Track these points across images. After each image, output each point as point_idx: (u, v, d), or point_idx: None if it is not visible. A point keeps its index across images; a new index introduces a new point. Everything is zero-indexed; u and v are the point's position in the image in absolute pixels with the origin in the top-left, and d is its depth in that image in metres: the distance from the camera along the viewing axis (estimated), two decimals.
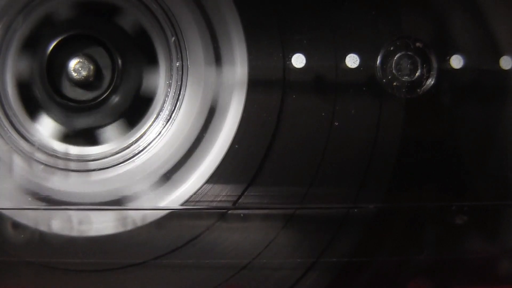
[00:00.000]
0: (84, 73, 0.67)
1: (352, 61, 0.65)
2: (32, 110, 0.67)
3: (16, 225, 0.64)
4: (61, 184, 0.65)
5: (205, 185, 0.65)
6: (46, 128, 0.67)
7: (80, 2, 0.67)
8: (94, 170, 0.66)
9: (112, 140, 0.68)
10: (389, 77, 0.65)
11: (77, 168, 0.66)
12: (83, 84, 0.67)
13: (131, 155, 0.66)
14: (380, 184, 0.66)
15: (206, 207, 0.65)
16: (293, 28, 0.65)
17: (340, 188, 0.65)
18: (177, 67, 0.66)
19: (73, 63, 0.67)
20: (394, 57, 0.65)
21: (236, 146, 0.65)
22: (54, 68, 0.67)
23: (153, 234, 0.64)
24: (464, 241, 0.67)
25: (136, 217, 0.64)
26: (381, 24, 0.65)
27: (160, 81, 0.67)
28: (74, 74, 0.67)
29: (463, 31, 0.66)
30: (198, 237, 0.64)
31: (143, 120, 0.67)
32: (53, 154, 0.66)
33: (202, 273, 0.65)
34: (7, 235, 0.64)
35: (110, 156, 0.67)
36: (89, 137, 0.68)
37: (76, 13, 0.67)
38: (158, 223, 0.64)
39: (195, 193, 0.65)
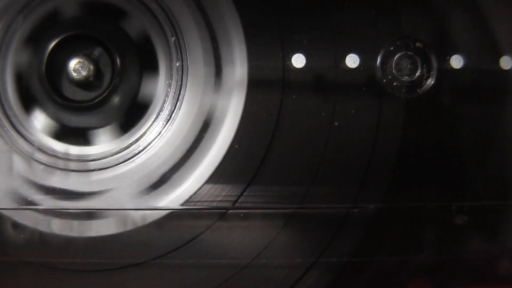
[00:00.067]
0: (84, 73, 0.67)
1: (352, 61, 0.65)
2: (32, 110, 0.67)
3: (16, 225, 0.64)
4: (61, 184, 0.65)
5: (205, 185, 0.65)
6: (46, 128, 0.67)
7: (80, 2, 0.67)
8: (94, 170, 0.66)
9: (112, 140, 0.67)
10: (389, 77, 0.65)
11: (77, 168, 0.66)
12: (83, 84, 0.67)
13: (131, 155, 0.66)
14: (380, 184, 0.66)
15: (206, 207, 0.65)
16: (293, 28, 0.65)
17: (340, 188, 0.65)
18: (177, 67, 0.66)
19: (73, 63, 0.67)
20: (394, 57, 0.65)
21: (236, 146, 0.65)
22: (54, 68, 0.67)
23: (153, 234, 0.64)
24: (464, 241, 0.67)
25: (136, 217, 0.64)
26: (381, 24, 0.65)
27: (160, 81, 0.67)
28: (74, 74, 0.67)
29: (463, 31, 0.66)
30: (198, 237, 0.64)
31: (143, 120, 0.67)
32: (53, 154, 0.66)
33: (202, 273, 0.65)
34: (7, 235, 0.64)
35: (110, 156, 0.67)
36: (89, 137, 0.68)
37: (76, 13, 0.67)
38: (158, 223, 0.64)
39: (195, 193, 0.65)
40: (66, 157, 0.66)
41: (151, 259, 0.64)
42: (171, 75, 0.67)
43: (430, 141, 0.66)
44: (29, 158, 0.65)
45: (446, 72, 0.65)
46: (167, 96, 0.67)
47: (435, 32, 0.66)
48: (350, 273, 0.66)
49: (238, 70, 0.65)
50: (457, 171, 0.66)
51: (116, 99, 0.68)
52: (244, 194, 0.65)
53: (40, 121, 0.67)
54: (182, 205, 0.65)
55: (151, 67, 0.67)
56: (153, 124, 0.67)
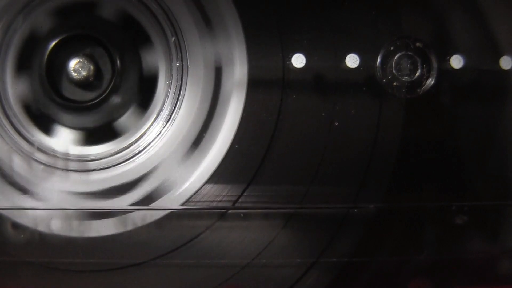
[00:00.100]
0: (84, 73, 0.67)
1: (352, 61, 0.65)
2: (32, 110, 0.67)
3: (16, 225, 0.64)
4: (61, 184, 0.65)
5: (205, 185, 0.65)
6: (45, 128, 0.67)
7: (80, 2, 0.67)
8: (94, 170, 0.66)
9: (111, 140, 0.67)
10: (389, 77, 0.65)
11: (77, 168, 0.66)
12: (83, 84, 0.67)
13: (131, 155, 0.66)
14: (380, 184, 0.66)
15: (206, 207, 0.65)
16: (293, 28, 0.65)
17: (340, 188, 0.65)
18: (177, 67, 0.66)
19: (73, 63, 0.67)
20: (394, 57, 0.65)
21: (236, 146, 0.65)
22: (54, 68, 0.67)
23: (153, 234, 0.64)
24: (464, 241, 0.67)
25: (136, 217, 0.64)
26: (381, 24, 0.65)
27: (160, 81, 0.67)
28: (74, 74, 0.67)
29: (463, 31, 0.66)
30: (198, 237, 0.64)
31: (143, 120, 0.67)
32: (53, 154, 0.66)
33: (202, 273, 0.65)
34: (7, 235, 0.64)
35: (110, 156, 0.67)
36: (88, 137, 0.68)
37: (76, 13, 0.67)
38: (158, 223, 0.64)
39: (195, 193, 0.65)
40: (66, 157, 0.66)
41: (151, 259, 0.64)
42: (171, 75, 0.67)
43: (430, 141, 0.66)
44: (29, 158, 0.65)
45: (446, 72, 0.65)
46: (167, 96, 0.67)
47: (435, 32, 0.66)
48: (350, 273, 0.66)
49: (238, 70, 0.65)
50: (457, 171, 0.66)
51: (116, 99, 0.68)
52: (244, 194, 0.65)
53: (40, 121, 0.67)
54: (182, 205, 0.65)
55: (151, 67, 0.67)
56: (153, 124, 0.67)
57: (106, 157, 0.67)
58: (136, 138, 0.67)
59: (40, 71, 0.66)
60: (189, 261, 0.64)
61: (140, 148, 0.66)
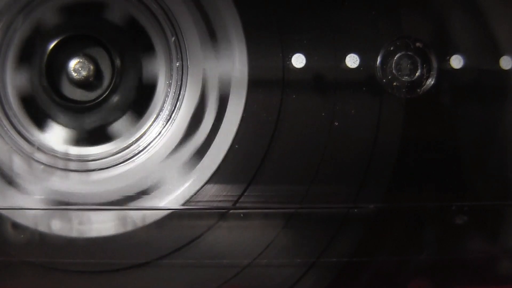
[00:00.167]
0: (84, 73, 0.67)
1: (352, 61, 0.65)
2: (32, 110, 0.67)
3: (16, 225, 0.64)
4: (61, 184, 0.65)
5: (206, 185, 0.65)
6: (45, 128, 0.67)
7: (80, 2, 0.67)
8: (94, 170, 0.66)
9: (111, 140, 0.67)
10: (389, 77, 0.65)
11: (77, 168, 0.66)
12: (83, 84, 0.67)
13: (131, 155, 0.66)
14: (380, 184, 0.66)
15: (206, 207, 0.65)
16: (293, 28, 0.65)
17: (340, 188, 0.65)
18: (177, 67, 0.66)
19: (73, 63, 0.67)
20: (394, 57, 0.65)
21: (236, 146, 0.65)
22: (54, 68, 0.67)
23: (153, 235, 0.64)
24: (464, 241, 0.67)
25: (136, 218, 0.64)
26: (381, 24, 0.65)
27: (160, 81, 0.67)
28: (74, 74, 0.67)
29: (463, 31, 0.66)
30: (199, 237, 0.64)
31: (143, 120, 0.67)
32: (53, 154, 0.66)
33: (203, 274, 0.65)
34: (7, 235, 0.64)
35: (110, 156, 0.67)
36: (88, 137, 0.68)
37: (76, 14, 0.67)
38: (159, 224, 0.64)
39: (195, 193, 0.65)
40: (66, 157, 0.66)
41: (152, 260, 0.64)
42: (171, 75, 0.67)
43: (430, 141, 0.66)
44: (29, 158, 0.65)
45: (446, 72, 0.65)
46: (167, 96, 0.67)
47: (435, 32, 0.66)
48: (350, 273, 0.66)
49: (238, 70, 0.65)
50: (457, 171, 0.66)
51: (116, 99, 0.68)
52: (244, 194, 0.65)
53: (40, 121, 0.67)
54: (182, 205, 0.65)
55: (151, 67, 0.67)
56: (153, 124, 0.67)
57: (106, 157, 0.67)
58: (136, 138, 0.67)
59: (40, 71, 0.66)
60: (190, 262, 0.64)
61: (140, 148, 0.66)
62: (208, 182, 0.65)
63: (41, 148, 0.66)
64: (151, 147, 0.66)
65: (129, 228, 0.64)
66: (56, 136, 0.67)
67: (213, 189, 0.65)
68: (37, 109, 0.67)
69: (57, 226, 0.64)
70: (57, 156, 0.66)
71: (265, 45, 0.65)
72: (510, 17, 0.66)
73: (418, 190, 0.66)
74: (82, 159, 0.66)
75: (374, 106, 0.65)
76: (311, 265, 0.65)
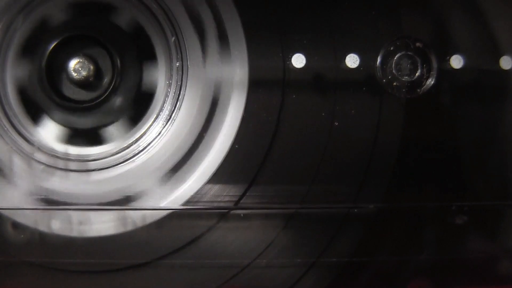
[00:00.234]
0: (84, 73, 0.67)
1: (352, 61, 0.65)
2: (32, 110, 0.67)
3: (16, 225, 0.64)
4: (61, 184, 0.65)
5: (206, 185, 0.65)
6: (45, 128, 0.67)
7: (80, 3, 0.67)
8: (94, 170, 0.66)
9: (112, 140, 0.67)
10: (389, 77, 0.65)
11: (77, 168, 0.66)
12: (83, 84, 0.67)
13: (131, 155, 0.66)
14: (380, 184, 0.66)
15: (206, 207, 0.65)
16: (293, 28, 0.65)
17: (340, 188, 0.65)
18: (177, 67, 0.66)
19: (73, 63, 0.66)
20: (394, 57, 0.65)
21: (237, 146, 0.65)
22: (54, 68, 0.67)
23: (153, 235, 0.64)
24: (464, 241, 0.67)
25: (136, 218, 0.64)
26: (381, 24, 0.65)
27: (160, 81, 0.67)
28: (74, 74, 0.67)
29: (463, 31, 0.66)
30: (199, 237, 0.64)
31: (143, 120, 0.67)
32: (53, 154, 0.66)
33: (203, 274, 0.65)
34: (7, 235, 0.64)
35: (110, 156, 0.67)
36: (89, 137, 0.68)
37: (76, 14, 0.67)
38: (159, 224, 0.64)
39: (195, 193, 0.65)
40: (66, 157, 0.66)
41: (152, 260, 0.64)
42: (171, 75, 0.67)
43: (430, 141, 0.66)
44: (29, 158, 0.65)
45: (446, 72, 0.65)
46: (167, 96, 0.67)
47: (435, 32, 0.66)
48: (350, 273, 0.66)
49: (238, 70, 0.65)
50: (457, 171, 0.66)
51: (116, 99, 0.68)
52: (245, 194, 0.65)
53: (40, 121, 0.67)
54: (182, 205, 0.65)
55: (151, 67, 0.67)
56: (153, 124, 0.67)
57: (106, 157, 0.67)
58: (136, 138, 0.67)
59: (40, 71, 0.66)
60: (190, 262, 0.64)
61: (140, 148, 0.66)
62: (208, 182, 0.65)
63: (41, 148, 0.66)
64: (151, 147, 0.66)
65: (129, 228, 0.64)
66: (55, 136, 0.67)
67: (213, 189, 0.65)
68: (37, 109, 0.67)
69: (57, 226, 0.64)
70: (57, 156, 0.66)
71: (265, 45, 0.65)
72: (510, 17, 0.66)
73: (418, 190, 0.66)
74: (82, 159, 0.66)
75: (374, 106, 0.65)
76: (311, 265, 0.65)
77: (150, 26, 0.67)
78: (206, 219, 0.64)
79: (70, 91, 0.68)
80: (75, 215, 0.64)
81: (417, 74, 0.65)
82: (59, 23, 0.67)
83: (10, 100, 0.67)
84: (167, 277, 0.65)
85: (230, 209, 0.65)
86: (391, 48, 0.65)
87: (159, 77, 0.67)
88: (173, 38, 0.66)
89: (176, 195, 0.65)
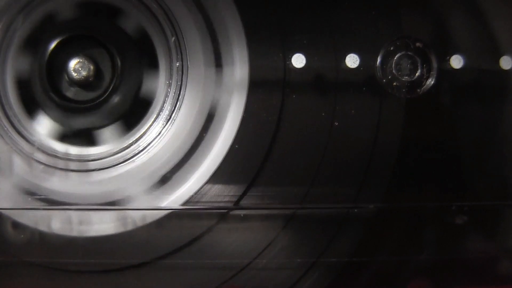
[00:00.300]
0: (84, 73, 0.67)
1: (352, 61, 0.65)
2: (32, 110, 0.67)
3: (16, 225, 0.64)
4: (61, 184, 0.65)
5: (206, 185, 0.65)
6: (45, 128, 0.67)
7: (80, 3, 0.67)
8: (94, 170, 0.66)
9: (112, 140, 0.67)
10: (389, 77, 0.65)
11: (77, 168, 0.66)
12: (83, 84, 0.67)
13: (131, 155, 0.66)
14: (380, 184, 0.66)
15: (206, 207, 0.65)
16: (293, 28, 0.65)
17: (340, 188, 0.65)
18: (177, 67, 0.66)
19: (73, 63, 0.66)
20: (394, 57, 0.65)
21: (237, 146, 0.65)
22: (54, 68, 0.67)
23: (153, 235, 0.64)
24: (464, 241, 0.67)
25: (136, 218, 0.64)
26: (381, 24, 0.65)
27: (160, 81, 0.67)
28: (74, 74, 0.67)
29: (463, 31, 0.66)
30: (199, 237, 0.64)
31: (143, 120, 0.67)
32: (53, 154, 0.66)
33: (203, 274, 0.65)
34: (7, 235, 0.64)
35: (110, 156, 0.67)
36: (89, 137, 0.68)
37: (76, 14, 0.67)
38: (159, 224, 0.64)
39: (195, 193, 0.65)
40: (66, 157, 0.66)
41: (152, 260, 0.64)
42: (171, 75, 0.67)
43: (430, 141, 0.66)
44: (29, 158, 0.65)
45: (446, 72, 0.65)
46: (167, 96, 0.67)
47: (435, 32, 0.66)
48: (350, 273, 0.66)
49: (238, 70, 0.65)
50: (457, 171, 0.66)
51: (116, 99, 0.68)
52: (245, 194, 0.65)
53: (40, 121, 0.67)
54: (182, 205, 0.65)
55: (151, 67, 0.67)
56: (153, 124, 0.67)
57: (106, 157, 0.67)
58: (136, 138, 0.67)
59: (40, 71, 0.66)
60: (190, 262, 0.64)
61: (140, 148, 0.66)
62: (208, 182, 0.65)
63: (41, 148, 0.66)
64: (151, 147, 0.66)
65: (129, 228, 0.64)
66: (56, 136, 0.67)
67: (213, 189, 0.65)
68: (37, 109, 0.67)
69: (57, 226, 0.64)
70: (57, 156, 0.66)
71: (266, 45, 0.65)
72: (510, 17, 0.66)
73: (418, 190, 0.66)
74: (82, 159, 0.66)
75: (374, 106, 0.65)
76: (311, 265, 0.65)
77: (150, 27, 0.67)
78: (206, 219, 0.64)
79: (70, 91, 0.68)
80: (75, 215, 0.64)
81: (417, 74, 0.65)
82: (59, 23, 0.67)
83: (10, 100, 0.67)
84: (167, 277, 0.65)
85: (230, 209, 0.65)
86: (391, 48, 0.65)
87: (159, 77, 0.67)
88: (173, 38, 0.66)
89: (176, 195, 0.65)
